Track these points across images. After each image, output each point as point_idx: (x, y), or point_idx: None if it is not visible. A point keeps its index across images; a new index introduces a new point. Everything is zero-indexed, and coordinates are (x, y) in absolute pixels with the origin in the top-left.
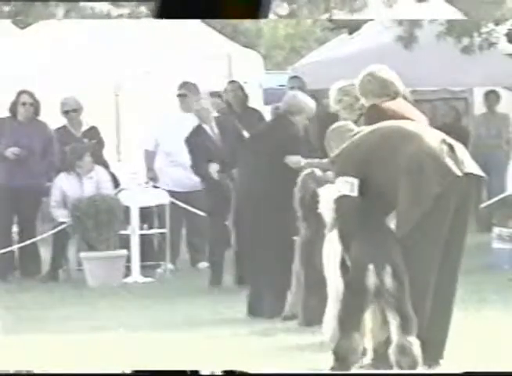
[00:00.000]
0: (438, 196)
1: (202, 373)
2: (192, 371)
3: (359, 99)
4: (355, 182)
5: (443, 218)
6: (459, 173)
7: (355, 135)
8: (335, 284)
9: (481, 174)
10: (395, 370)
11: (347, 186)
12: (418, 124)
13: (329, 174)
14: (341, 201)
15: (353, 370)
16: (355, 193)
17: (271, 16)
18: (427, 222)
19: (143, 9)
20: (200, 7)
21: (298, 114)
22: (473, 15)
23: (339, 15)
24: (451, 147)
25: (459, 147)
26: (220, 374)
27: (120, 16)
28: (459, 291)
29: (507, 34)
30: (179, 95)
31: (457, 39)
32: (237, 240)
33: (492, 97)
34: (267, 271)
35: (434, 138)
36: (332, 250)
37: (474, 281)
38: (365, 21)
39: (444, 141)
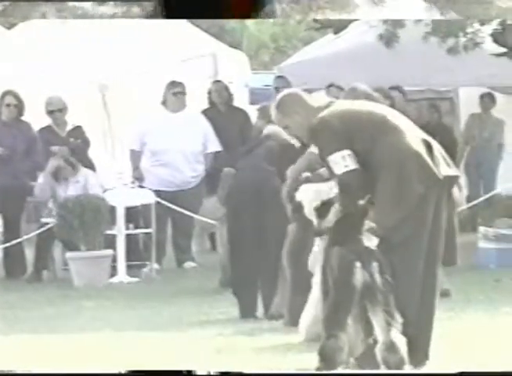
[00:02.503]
0: (419, 197)
1: (197, 373)
2: (188, 371)
3: None
4: (347, 153)
5: (424, 218)
6: (440, 176)
7: (329, 103)
8: (317, 284)
9: (456, 173)
10: (384, 370)
11: (339, 162)
12: (401, 116)
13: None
14: (342, 184)
15: (339, 370)
16: (352, 166)
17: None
18: (410, 222)
19: (130, 9)
20: (201, 7)
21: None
22: (459, 15)
23: (328, 14)
24: (429, 147)
25: (436, 146)
26: (215, 374)
27: (107, 16)
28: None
29: (492, 34)
30: (174, 94)
31: (442, 39)
32: (226, 241)
33: (488, 98)
34: (258, 273)
35: (415, 136)
36: (319, 249)
37: (459, 281)
38: (351, 21)
39: (423, 140)
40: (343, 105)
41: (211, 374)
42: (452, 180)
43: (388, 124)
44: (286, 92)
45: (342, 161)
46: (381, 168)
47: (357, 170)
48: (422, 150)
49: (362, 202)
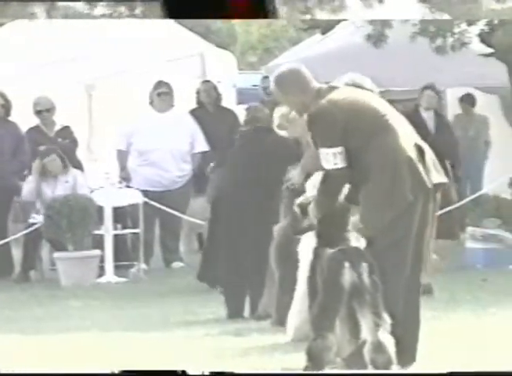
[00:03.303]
0: (408, 203)
1: (191, 373)
2: (182, 371)
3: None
4: (338, 151)
5: (412, 223)
6: (429, 185)
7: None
8: (303, 284)
9: (444, 180)
10: (372, 370)
11: (329, 158)
12: (401, 117)
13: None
14: (327, 178)
15: (327, 370)
16: (341, 164)
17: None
18: (398, 226)
19: (118, 9)
20: (203, 7)
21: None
22: (447, 15)
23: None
24: (422, 152)
25: (428, 152)
26: (209, 374)
27: (96, 16)
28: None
29: (480, 35)
30: (159, 94)
31: (430, 39)
32: (214, 239)
33: (467, 100)
34: (246, 272)
35: (410, 141)
36: (306, 249)
37: (446, 281)
38: (339, 21)
39: (417, 146)
40: (345, 93)
41: (205, 374)
42: (440, 186)
43: (386, 125)
44: (286, 66)
45: (333, 158)
46: (373, 169)
47: (345, 169)
48: (415, 157)
49: (341, 201)
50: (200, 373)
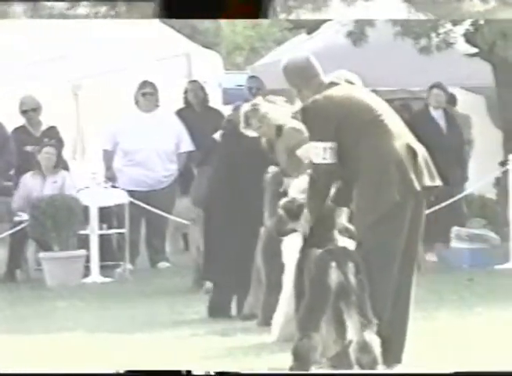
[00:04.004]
0: (395, 204)
1: (196, 373)
2: (187, 371)
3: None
4: (329, 146)
5: (400, 224)
6: (418, 188)
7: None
8: (289, 284)
9: (438, 184)
10: (358, 371)
11: (318, 152)
12: (396, 117)
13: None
14: (315, 173)
15: (312, 370)
16: (331, 160)
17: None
18: (385, 227)
19: (102, 9)
20: (201, 7)
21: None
22: (432, 15)
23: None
24: (414, 154)
25: (422, 154)
26: (214, 374)
27: (80, 16)
28: (417, 291)
29: (465, 35)
30: (144, 94)
31: (415, 39)
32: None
33: (449, 99)
34: (231, 271)
35: (402, 142)
36: (290, 249)
37: (432, 281)
38: (324, 21)
39: (410, 147)
40: (343, 90)
41: (210, 374)
42: (432, 190)
43: (380, 124)
44: (295, 55)
45: (322, 153)
46: (362, 168)
47: (334, 165)
48: (406, 158)
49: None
50: (209, 372)
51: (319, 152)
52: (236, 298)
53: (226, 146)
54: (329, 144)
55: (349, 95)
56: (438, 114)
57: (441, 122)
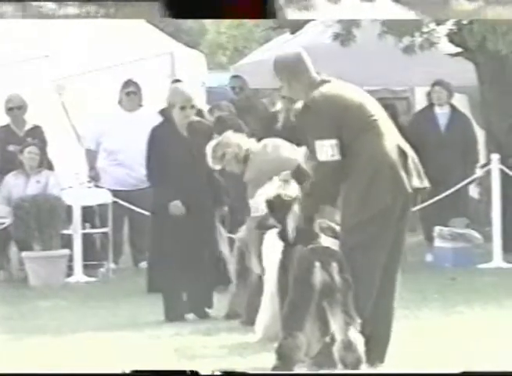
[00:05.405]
0: (386, 205)
1: (202, 373)
2: (192, 371)
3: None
4: (335, 143)
5: (388, 224)
6: (409, 190)
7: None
8: (271, 283)
9: (426, 185)
10: (342, 370)
11: (325, 149)
12: (388, 118)
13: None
14: (321, 170)
15: (296, 370)
16: (338, 156)
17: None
18: (372, 227)
19: (88, 9)
20: (202, 7)
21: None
22: (418, 14)
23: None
24: (404, 156)
25: (411, 156)
26: (220, 374)
27: (70, 16)
28: (401, 290)
29: (448, 34)
30: (127, 94)
31: (398, 39)
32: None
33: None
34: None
35: (393, 143)
36: (271, 248)
37: (415, 280)
38: (308, 21)
39: (400, 149)
40: (337, 88)
41: (215, 373)
42: (420, 191)
43: (373, 125)
44: (286, 51)
45: (330, 150)
46: (354, 168)
47: (339, 162)
48: (397, 160)
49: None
50: (214, 372)
51: (326, 149)
52: (187, 297)
53: (162, 146)
54: (334, 141)
55: (344, 94)
56: (442, 112)
57: (444, 120)
